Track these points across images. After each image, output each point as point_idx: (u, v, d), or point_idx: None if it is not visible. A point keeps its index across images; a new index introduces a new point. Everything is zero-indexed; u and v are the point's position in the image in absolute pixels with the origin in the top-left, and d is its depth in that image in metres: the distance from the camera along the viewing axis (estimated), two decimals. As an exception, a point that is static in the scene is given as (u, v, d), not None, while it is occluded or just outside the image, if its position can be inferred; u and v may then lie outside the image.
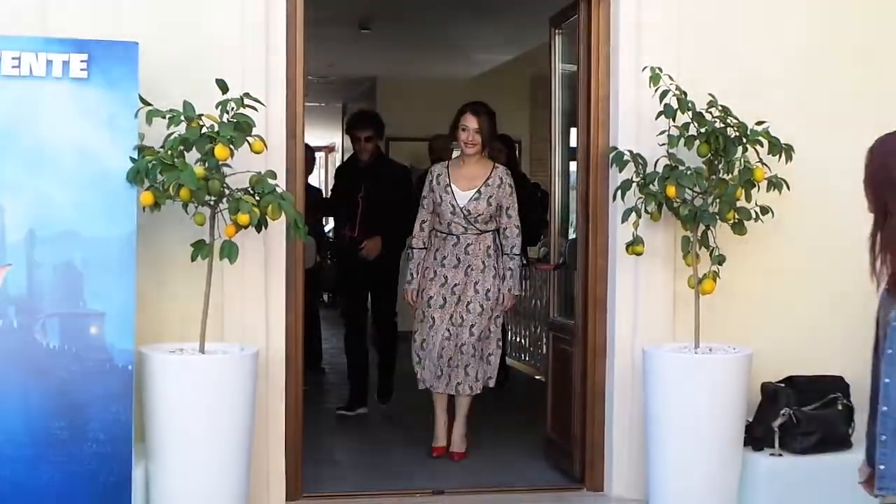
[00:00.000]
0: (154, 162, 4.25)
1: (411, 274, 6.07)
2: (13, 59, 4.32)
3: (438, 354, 5.89)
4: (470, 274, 5.90)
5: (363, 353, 7.27)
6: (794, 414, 4.89)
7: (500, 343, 6.20)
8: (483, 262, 5.91)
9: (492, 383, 6.07)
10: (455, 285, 5.91)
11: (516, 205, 5.99)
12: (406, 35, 9.51)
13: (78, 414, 4.32)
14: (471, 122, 5.92)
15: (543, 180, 6.41)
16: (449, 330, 5.90)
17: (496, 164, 6.06)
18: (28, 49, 4.34)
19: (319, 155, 17.06)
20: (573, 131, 5.86)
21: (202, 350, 4.48)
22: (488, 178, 5.93)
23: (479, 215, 5.90)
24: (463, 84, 10.89)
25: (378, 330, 7.37)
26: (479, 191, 5.90)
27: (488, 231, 5.94)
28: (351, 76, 11.98)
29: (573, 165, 5.88)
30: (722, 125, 4.79)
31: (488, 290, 5.91)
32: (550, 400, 5.88)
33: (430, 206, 6.02)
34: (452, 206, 5.90)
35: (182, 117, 4.31)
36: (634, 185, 4.91)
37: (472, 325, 5.88)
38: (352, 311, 7.39)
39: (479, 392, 5.97)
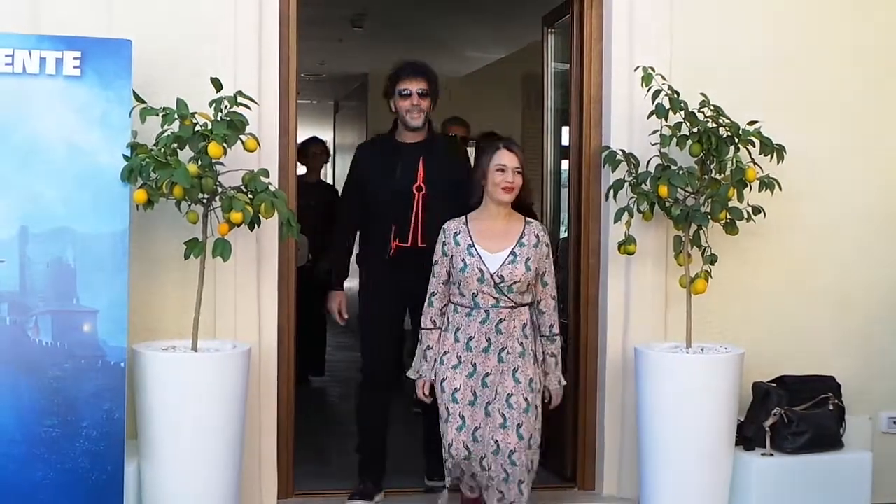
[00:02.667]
0: (147, 160, 4.25)
1: (423, 361, 4.68)
2: (6, 56, 4.32)
3: (480, 466, 4.56)
4: (506, 359, 4.56)
5: (383, 421, 5.30)
6: (786, 414, 4.91)
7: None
8: (521, 344, 4.58)
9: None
10: (486, 375, 4.56)
11: (552, 270, 4.73)
12: (398, 33, 9.50)
13: (70, 411, 4.32)
14: (510, 159, 4.60)
15: (535, 179, 6.34)
16: (488, 435, 4.53)
17: (526, 218, 4.73)
18: (21, 46, 4.34)
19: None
20: (565, 130, 5.87)
21: (195, 347, 4.48)
22: (522, 236, 4.63)
23: (516, 283, 4.56)
24: (455, 82, 10.89)
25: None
26: (512, 252, 4.58)
27: (524, 304, 4.63)
28: (342, 74, 11.98)
29: (565, 164, 5.89)
30: (714, 125, 4.80)
31: (531, 380, 4.58)
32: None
33: (442, 273, 4.66)
34: (481, 271, 4.54)
35: (175, 115, 4.31)
36: (627, 184, 4.91)
37: (519, 426, 4.52)
38: (375, 361, 5.26)
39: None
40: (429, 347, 4.69)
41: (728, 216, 4.84)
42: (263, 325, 4.92)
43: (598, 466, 5.33)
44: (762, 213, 4.90)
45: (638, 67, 4.82)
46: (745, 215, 4.86)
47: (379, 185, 5.12)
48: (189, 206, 4.40)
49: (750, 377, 5.02)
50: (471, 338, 4.60)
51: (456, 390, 4.59)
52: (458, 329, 4.63)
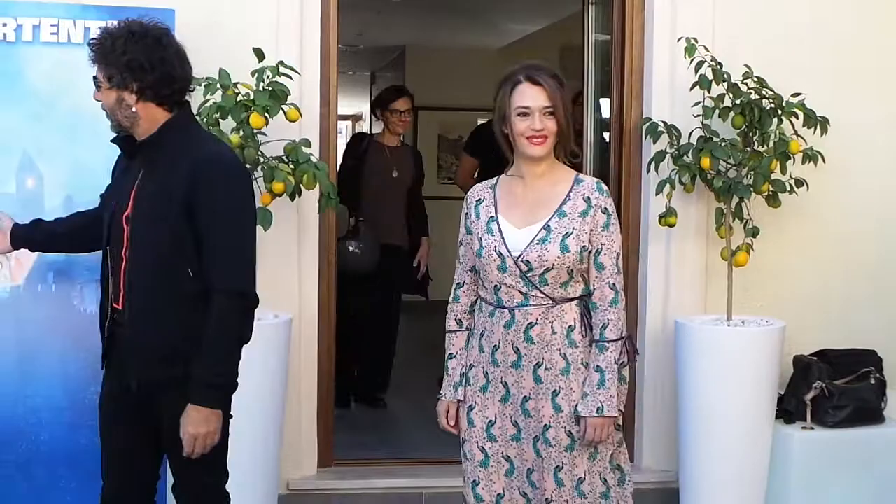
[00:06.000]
0: (190, 129, 4.26)
1: (445, 375, 3.55)
2: (52, 26, 4.35)
3: None
4: (544, 377, 3.37)
5: None
6: (827, 387, 4.88)
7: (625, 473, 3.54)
8: (564, 356, 3.37)
9: None
10: (525, 399, 3.39)
11: (615, 247, 3.40)
12: (435, 4, 9.48)
13: (114, 379, 4.36)
14: (534, 97, 3.33)
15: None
16: (528, 481, 3.42)
17: (579, 173, 3.46)
18: (66, 16, 4.36)
19: (346, 124, 17.08)
20: (604, 101, 5.84)
21: (236, 317, 4.49)
22: (565, 202, 3.37)
23: (548, 270, 3.32)
24: (491, 54, 10.89)
25: None
26: (546, 225, 3.34)
27: (570, 299, 3.39)
28: (380, 45, 11.96)
29: (604, 136, 5.87)
30: (757, 97, 4.76)
31: (577, 406, 3.38)
32: (580, 371, 5.84)
33: (469, 257, 3.48)
34: (500, 255, 3.35)
35: (218, 85, 4.33)
36: (668, 156, 4.89)
37: (558, 468, 3.36)
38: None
39: None
40: (451, 356, 3.52)
41: (770, 188, 4.81)
42: (304, 296, 4.94)
43: (636, 439, 5.32)
44: (805, 185, 4.87)
45: (681, 38, 4.78)
46: (788, 188, 4.82)
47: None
48: (231, 176, 4.41)
49: (791, 350, 5.00)
50: (495, 347, 3.40)
51: (491, 423, 3.43)
52: (482, 334, 3.44)
